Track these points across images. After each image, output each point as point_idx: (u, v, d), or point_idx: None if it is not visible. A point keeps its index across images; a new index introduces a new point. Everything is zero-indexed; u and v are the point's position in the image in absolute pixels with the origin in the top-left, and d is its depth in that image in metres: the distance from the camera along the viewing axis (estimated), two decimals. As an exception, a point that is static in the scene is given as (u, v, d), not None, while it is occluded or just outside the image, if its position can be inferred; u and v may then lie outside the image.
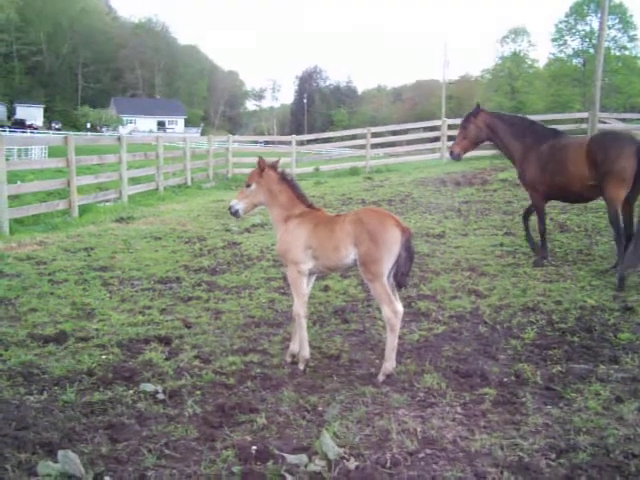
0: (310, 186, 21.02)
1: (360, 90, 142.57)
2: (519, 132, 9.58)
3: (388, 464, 3.76)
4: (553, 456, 3.83)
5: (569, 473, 3.63)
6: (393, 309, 5.09)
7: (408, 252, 5.09)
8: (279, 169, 5.72)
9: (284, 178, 5.67)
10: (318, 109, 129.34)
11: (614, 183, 8.30)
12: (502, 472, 3.65)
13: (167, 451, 4.00)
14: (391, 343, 5.14)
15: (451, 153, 10.19)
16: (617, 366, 5.25)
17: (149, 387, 4.96)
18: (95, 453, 3.96)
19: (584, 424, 4.22)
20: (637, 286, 7.56)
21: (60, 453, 3.70)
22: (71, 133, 50.28)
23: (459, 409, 4.57)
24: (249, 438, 4.16)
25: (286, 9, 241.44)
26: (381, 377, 5.14)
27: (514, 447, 3.94)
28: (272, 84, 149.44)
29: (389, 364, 5.16)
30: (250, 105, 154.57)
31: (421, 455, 3.89)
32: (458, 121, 27.96)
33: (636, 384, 4.85)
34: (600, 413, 4.40)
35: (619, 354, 5.48)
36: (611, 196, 8.37)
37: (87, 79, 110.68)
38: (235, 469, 3.74)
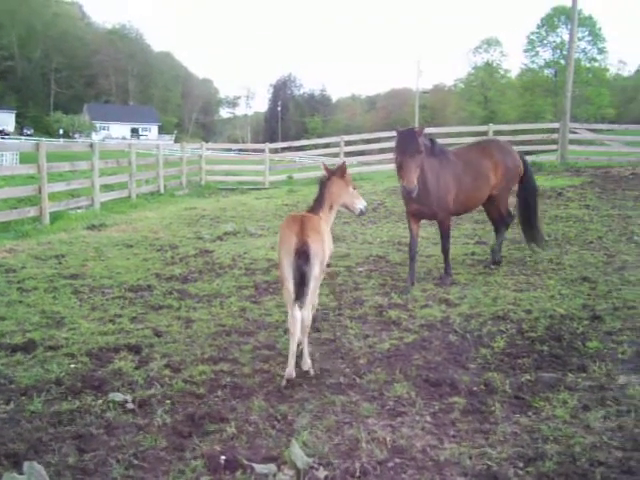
0: (283, 194, 21.03)
1: (334, 98, 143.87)
2: (427, 151, 8.37)
3: (357, 473, 3.76)
4: (521, 465, 3.86)
5: (536, 481, 3.67)
6: (292, 315, 5.17)
7: (296, 263, 5.11)
8: (326, 174, 6.08)
9: (319, 182, 6.06)
10: (292, 117, 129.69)
11: (514, 184, 9.42)
12: (470, 481, 3.68)
13: (136, 461, 3.96)
14: (290, 348, 5.20)
15: (410, 188, 8.04)
16: (585, 374, 5.31)
17: (118, 396, 4.90)
18: (62, 464, 3.91)
19: (552, 432, 4.26)
20: (605, 295, 7.65)
21: (26, 464, 3.64)
22: (43, 139, 49.84)
23: (428, 418, 4.58)
24: (218, 448, 4.13)
25: (260, 17, 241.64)
26: (283, 382, 5.18)
27: (482, 456, 3.97)
28: (246, 92, 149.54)
29: (288, 369, 5.19)
30: (224, 113, 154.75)
31: (390, 464, 3.90)
32: (435, 130, 28.17)
33: (603, 392, 4.91)
34: (568, 421, 4.44)
35: (587, 363, 5.54)
36: (508, 195, 9.45)
37: (60, 85, 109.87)
38: (204, 479, 3.72)
